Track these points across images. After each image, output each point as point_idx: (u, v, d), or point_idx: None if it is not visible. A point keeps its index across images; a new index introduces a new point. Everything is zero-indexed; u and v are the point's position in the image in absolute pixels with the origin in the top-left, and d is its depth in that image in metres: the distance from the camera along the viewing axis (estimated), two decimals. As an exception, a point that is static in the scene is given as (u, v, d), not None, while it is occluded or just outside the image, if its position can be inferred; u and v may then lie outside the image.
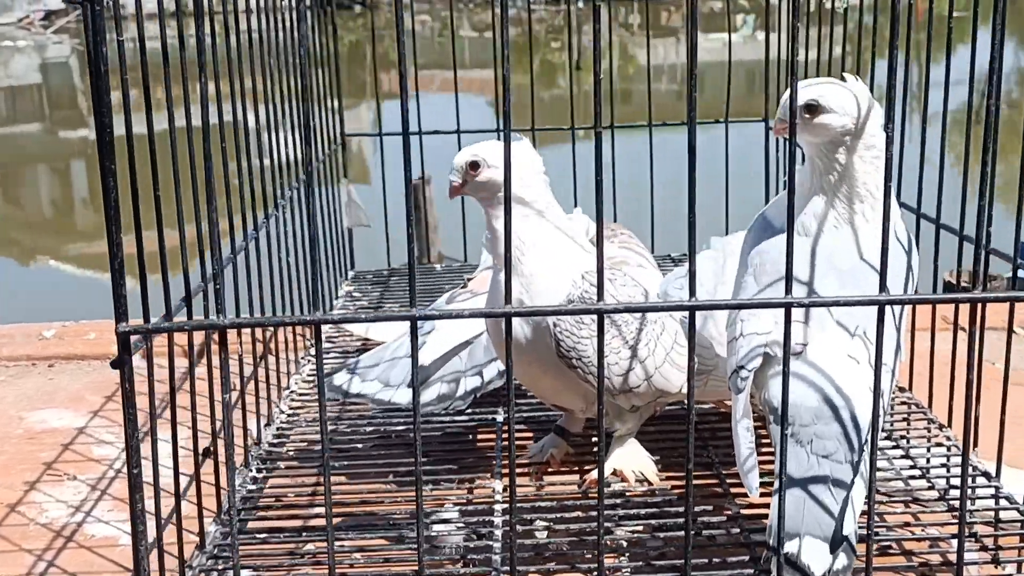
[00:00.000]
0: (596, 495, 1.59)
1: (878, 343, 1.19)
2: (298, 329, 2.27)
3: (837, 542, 1.30)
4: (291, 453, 1.78)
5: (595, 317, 1.51)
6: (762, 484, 1.37)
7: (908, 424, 1.79)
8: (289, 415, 1.93)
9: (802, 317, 1.47)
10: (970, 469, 1.56)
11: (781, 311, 1.47)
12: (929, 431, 1.76)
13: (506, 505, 1.57)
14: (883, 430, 1.76)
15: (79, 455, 1.99)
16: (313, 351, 2.18)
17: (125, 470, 1.83)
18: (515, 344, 1.55)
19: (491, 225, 1.57)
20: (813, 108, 1.49)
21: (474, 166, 1.56)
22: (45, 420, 2.18)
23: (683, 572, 1.33)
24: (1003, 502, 1.52)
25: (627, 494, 1.60)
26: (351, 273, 2.78)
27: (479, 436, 1.83)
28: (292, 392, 2.02)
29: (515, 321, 1.54)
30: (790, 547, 1.28)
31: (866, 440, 1.38)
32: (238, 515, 1.57)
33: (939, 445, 1.70)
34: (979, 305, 1.20)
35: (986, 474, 1.59)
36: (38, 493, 1.82)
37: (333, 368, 2.02)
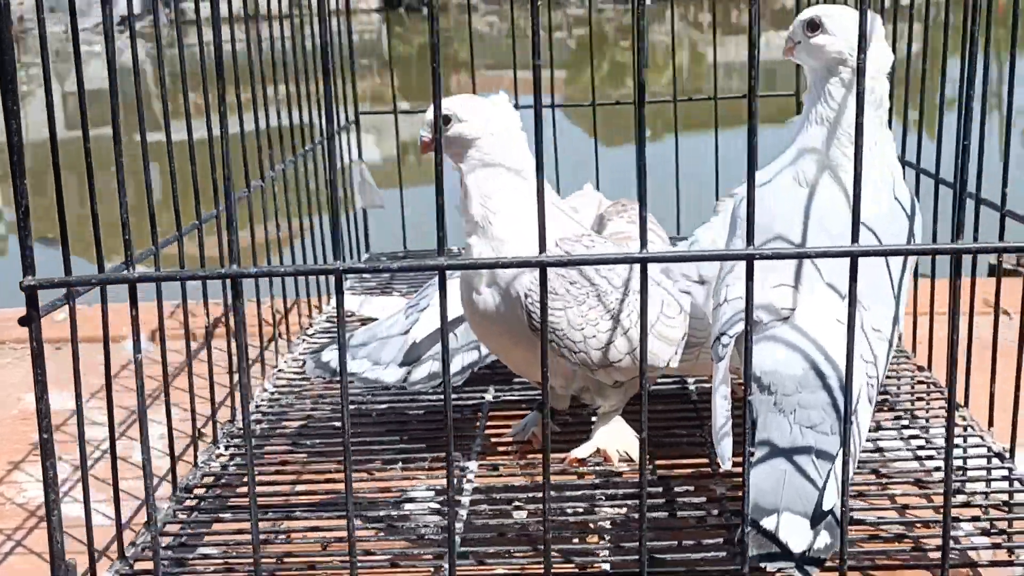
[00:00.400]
0: (577, 475, 1.50)
1: (851, 298, 1.07)
2: (299, 307, 2.20)
3: (819, 518, 1.19)
4: (265, 431, 1.70)
5: (568, 288, 1.42)
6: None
7: (925, 403, 1.67)
8: (272, 393, 1.85)
9: (791, 280, 1.36)
10: (984, 450, 1.45)
11: (769, 276, 1.37)
12: (942, 412, 1.62)
13: (476, 485, 1.48)
14: (894, 409, 1.64)
15: (69, 435, 1.94)
16: (310, 330, 2.11)
17: (110, 451, 1.78)
18: (486, 315, 1.46)
19: (462, 183, 1.48)
20: (814, 26, 1.40)
21: (445, 120, 1.47)
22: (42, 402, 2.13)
23: (653, 554, 1.24)
24: (1016, 484, 1.39)
25: (622, 474, 1.49)
26: (365, 255, 2.70)
27: (463, 416, 1.73)
28: (279, 371, 1.95)
29: (485, 291, 1.45)
30: (768, 523, 1.18)
31: (855, 410, 1.27)
32: (200, 491, 1.50)
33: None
34: (960, 257, 1.08)
35: (1000, 455, 1.46)
36: (21, 473, 1.77)
37: (321, 345, 1.94)
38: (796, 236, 1.38)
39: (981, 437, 1.51)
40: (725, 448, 1.26)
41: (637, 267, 1.48)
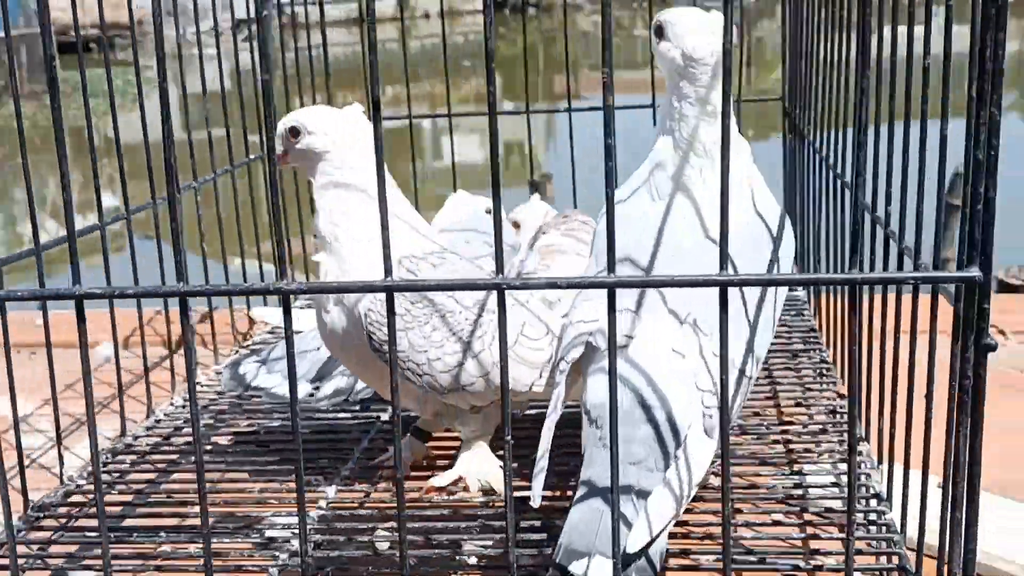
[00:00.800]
0: (432, 504, 1.43)
1: (610, 331, 0.98)
2: (224, 321, 2.18)
3: (630, 560, 1.11)
4: (147, 447, 1.67)
5: (409, 307, 1.36)
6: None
7: (827, 435, 1.55)
8: (177, 407, 1.82)
9: (633, 305, 1.27)
10: (864, 490, 1.34)
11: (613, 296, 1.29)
12: (839, 446, 1.51)
13: (324, 513, 1.43)
14: (790, 443, 1.54)
15: (4, 443, 1.94)
16: (247, 342, 2.08)
17: (40, 462, 1.78)
18: (335, 335, 1.41)
19: (316, 202, 1.42)
20: (660, 31, 1.32)
21: (294, 132, 1.41)
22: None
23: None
24: (884, 530, 1.27)
25: (477, 505, 1.42)
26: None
27: (350, 435, 1.68)
28: (196, 383, 1.92)
29: (332, 310, 1.40)
30: (577, 568, 1.11)
31: (684, 444, 1.18)
32: (52, 509, 1.48)
33: (842, 462, 1.45)
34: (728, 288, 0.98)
35: (878, 496, 1.34)
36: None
37: (241, 356, 1.91)
38: (646, 257, 1.29)
39: (868, 475, 1.39)
40: (536, 485, 1.18)
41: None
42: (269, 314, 2.05)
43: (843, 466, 1.44)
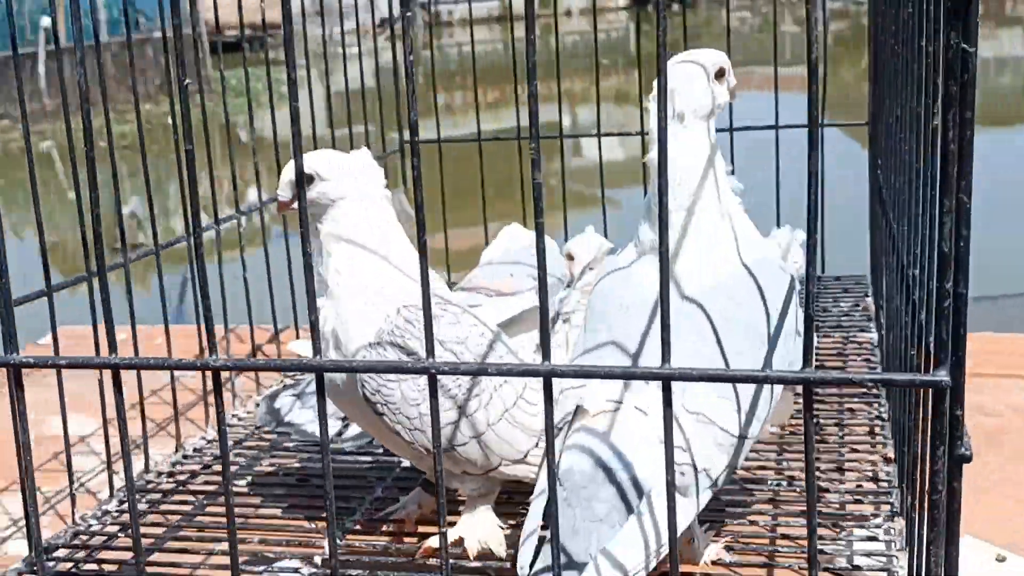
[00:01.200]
0: (427, 567, 1.38)
1: (547, 419, 0.91)
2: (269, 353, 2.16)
3: None
4: (168, 486, 1.66)
5: (403, 358, 1.30)
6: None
7: (864, 505, 1.43)
8: (208, 442, 1.81)
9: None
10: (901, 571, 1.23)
11: (608, 358, 1.22)
12: (871, 519, 1.39)
13: (316, 571, 1.39)
14: (820, 513, 1.42)
15: (61, 465, 1.96)
16: (281, 383, 2.06)
17: (88, 485, 1.79)
18: (333, 381, 1.35)
19: (321, 241, 1.37)
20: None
21: (307, 179, 1.37)
22: (60, 426, 2.18)
23: None
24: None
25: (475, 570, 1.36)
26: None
27: (365, 480, 1.63)
28: (234, 415, 1.91)
29: (332, 356, 1.35)
30: None
31: (649, 501, 1.13)
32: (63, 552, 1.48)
33: (870, 539, 1.34)
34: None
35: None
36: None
37: (279, 388, 1.88)
38: (641, 326, 1.22)
39: (895, 558, 1.28)
40: (523, 555, 1.13)
41: (499, 344, 1.36)
42: (305, 348, 2.02)
43: (871, 544, 1.33)
